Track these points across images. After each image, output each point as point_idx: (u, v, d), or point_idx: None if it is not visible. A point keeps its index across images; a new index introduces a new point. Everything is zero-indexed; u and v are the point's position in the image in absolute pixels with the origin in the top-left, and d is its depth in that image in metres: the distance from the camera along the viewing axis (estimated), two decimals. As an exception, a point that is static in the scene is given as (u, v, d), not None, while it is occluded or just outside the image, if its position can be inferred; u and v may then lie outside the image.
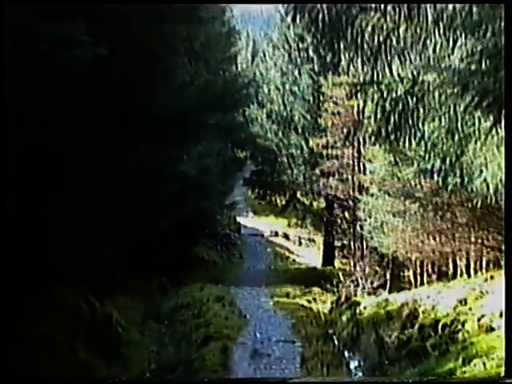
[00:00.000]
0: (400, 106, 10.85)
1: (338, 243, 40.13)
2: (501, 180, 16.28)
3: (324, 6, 10.56)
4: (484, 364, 14.50)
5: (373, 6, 10.49)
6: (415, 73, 10.85)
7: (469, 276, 25.65)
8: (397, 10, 10.39)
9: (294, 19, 10.96)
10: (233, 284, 35.25)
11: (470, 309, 19.55)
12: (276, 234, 50.34)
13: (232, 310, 29.26)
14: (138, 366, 22.35)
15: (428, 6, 10.04)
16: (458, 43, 10.03)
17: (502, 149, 16.43)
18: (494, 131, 12.76)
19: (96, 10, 12.92)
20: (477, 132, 14.15)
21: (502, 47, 9.73)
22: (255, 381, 7.94)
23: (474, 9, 9.83)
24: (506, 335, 6.31)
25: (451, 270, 27.81)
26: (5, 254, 14.16)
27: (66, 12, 12.32)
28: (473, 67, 10.32)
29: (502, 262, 25.21)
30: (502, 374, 13.35)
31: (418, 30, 10.09)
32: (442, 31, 10.00)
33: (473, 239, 26.13)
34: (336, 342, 25.02)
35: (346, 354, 23.53)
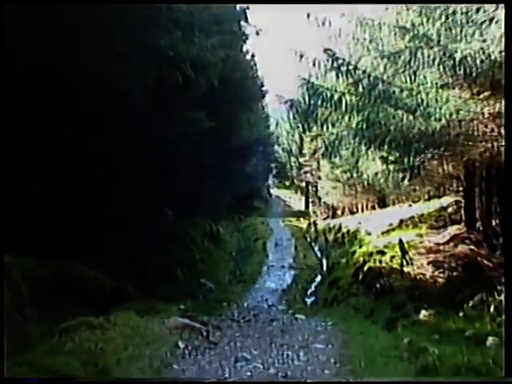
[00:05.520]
0: (331, 145, 10.76)
1: (310, 200, 39.94)
2: (375, 174, 15.74)
3: (303, 104, 9.27)
4: (367, 249, 14.01)
5: (319, 103, 9.17)
6: (339, 131, 10.61)
7: (362, 212, 25.57)
8: (330, 104, 10.02)
9: (291, 109, 10.42)
10: (267, 216, 35.03)
11: (362, 227, 19.48)
12: (285, 196, 50.26)
13: (266, 227, 29.50)
14: (232, 247, 22.46)
15: (348, 98, 8.92)
16: (354, 118, 9.77)
17: (375, 160, 15.73)
18: (369, 153, 12.61)
19: (200, 99, 10.83)
20: (363, 154, 14.14)
21: (377, 118, 8.89)
22: (255, 381, 5.24)
23: (361, 101, 9.31)
24: (506, 335, 3.98)
25: (356, 210, 27.68)
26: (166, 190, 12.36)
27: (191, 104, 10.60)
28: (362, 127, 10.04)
29: (376, 206, 24.86)
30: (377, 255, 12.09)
31: (338, 114, 9.74)
32: (348, 113, 9.70)
33: (365, 198, 25.99)
34: (308, 239, 25.20)
35: (313, 244, 23.71)
